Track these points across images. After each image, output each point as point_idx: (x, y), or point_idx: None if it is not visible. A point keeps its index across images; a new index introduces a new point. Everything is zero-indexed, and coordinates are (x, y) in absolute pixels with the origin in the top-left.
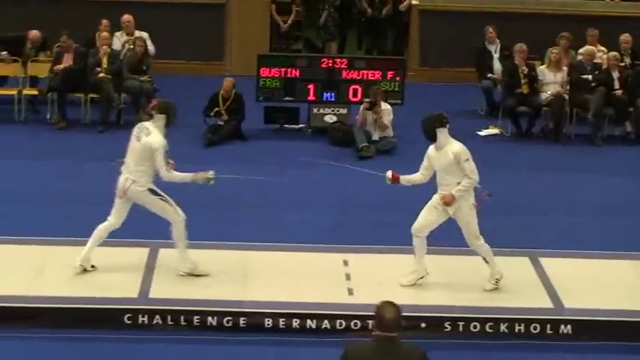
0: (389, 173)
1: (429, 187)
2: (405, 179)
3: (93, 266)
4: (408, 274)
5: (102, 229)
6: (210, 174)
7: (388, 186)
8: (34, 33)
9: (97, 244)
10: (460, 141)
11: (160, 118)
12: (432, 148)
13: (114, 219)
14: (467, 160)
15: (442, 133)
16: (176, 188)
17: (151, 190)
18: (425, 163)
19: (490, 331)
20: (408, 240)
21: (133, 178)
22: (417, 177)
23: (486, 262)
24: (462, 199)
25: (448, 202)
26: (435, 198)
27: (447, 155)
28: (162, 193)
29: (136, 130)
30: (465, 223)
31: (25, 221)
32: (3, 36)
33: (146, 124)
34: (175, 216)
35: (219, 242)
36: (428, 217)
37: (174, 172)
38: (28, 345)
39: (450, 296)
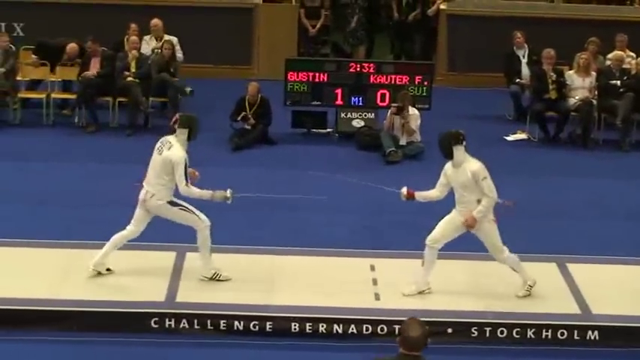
0: (404, 190)
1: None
2: (421, 196)
3: (108, 269)
4: (411, 284)
5: (120, 237)
6: (228, 193)
7: (419, 190)
8: (72, 46)
9: (113, 250)
10: (487, 146)
11: (183, 132)
12: (449, 165)
13: (133, 228)
14: (485, 178)
15: (459, 151)
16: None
17: (171, 202)
18: (442, 180)
19: (517, 337)
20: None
21: (153, 191)
22: (433, 193)
23: (516, 271)
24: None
25: (471, 225)
26: (455, 213)
27: (465, 173)
28: (182, 203)
29: (158, 143)
30: (487, 239)
31: (52, 224)
32: (45, 43)
33: (169, 137)
34: (199, 223)
35: (247, 246)
36: (446, 230)
37: (194, 188)
38: (55, 349)
39: (477, 302)
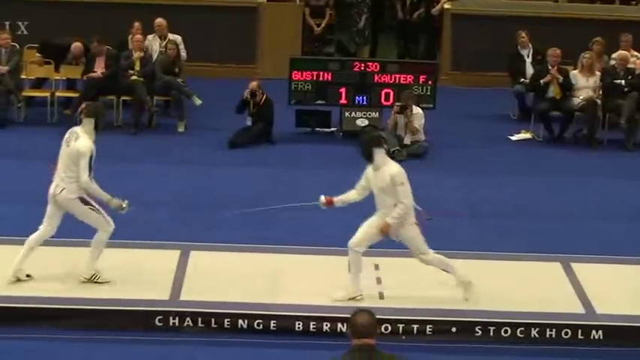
0: (322, 198)
1: (456, 192)
2: (340, 200)
3: (28, 275)
4: (341, 290)
5: (35, 238)
6: (125, 204)
7: (423, 190)
8: (77, 45)
9: (30, 253)
10: (491, 145)
11: (89, 122)
12: (369, 169)
13: (46, 226)
14: (402, 183)
15: (379, 154)
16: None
17: (82, 199)
18: (362, 182)
19: (521, 336)
20: (440, 244)
21: (63, 185)
22: (352, 195)
23: (447, 271)
24: (399, 223)
25: (385, 232)
26: (376, 217)
27: (384, 176)
28: (93, 203)
29: (67, 134)
30: (409, 242)
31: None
32: (50, 42)
33: (76, 128)
34: (106, 226)
35: (251, 245)
36: (367, 234)
37: (95, 184)
38: (60, 346)
39: (480, 301)
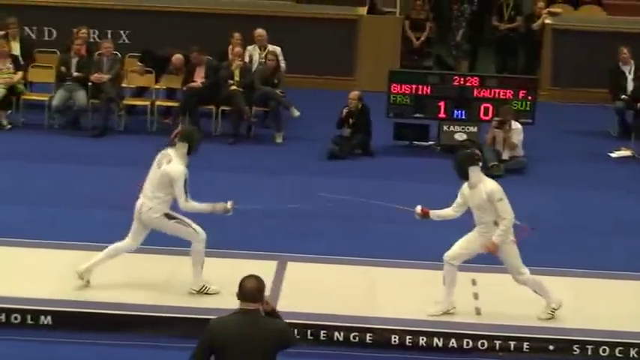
0: (418, 208)
1: (555, 208)
2: (436, 214)
3: (88, 282)
4: (436, 304)
5: (115, 248)
6: (229, 205)
7: (521, 205)
8: (177, 57)
9: (107, 261)
10: (590, 162)
11: (183, 146)
12: (465, 186)
13: (130, 241)
14: (500, 199)
15: (474, 172)
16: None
17: (167, 215)
18: (459, 200)
19: (620, 355)
20: (538, 260)
21: (149, 204)
22: (449, 213)
23: (538, 294)
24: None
25: (492, 251)
26: (475, 232)
27: (481, 194)
28: (178, 216)
29: (159, 155)
30: (507, 260)
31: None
32: (152, 52)
33: (169, 150)
34: (196, 236)
35: (348, 257)
36: (465, 249)
37: (194, 202)
38: (152, 354)
39: (579, 319)
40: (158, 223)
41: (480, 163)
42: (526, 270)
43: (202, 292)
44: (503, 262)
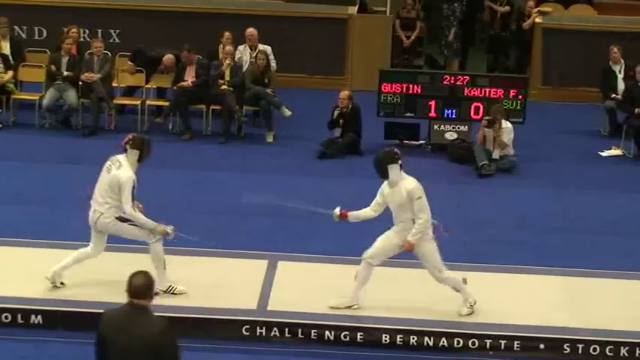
0: (337, 210)
1: (546, 207)
2: (354, 215)
3: (62, 283)
4: (340, 297)
5: (81, 254)
6: (169, 229)
7: (512, 205)
8: (169, 57)
9: (73, 265)
10: (581, 161)
11: (134, 154)
12: (385, 185)
13: (93, 249)
14: (419, 198)
15: (393, 170)
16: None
17: (120, 219)
18: (378, 199)
19: (610, 354)
20: (533, 260)
21: (100, 210)
22: (367, 212)
23: (457, 290)
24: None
25: (409, 250)
26: (392, 231)
27: (401, 192)
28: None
29: (108, 161)
30: (425, 257)
31: None
32: (143, 52)
33: (119, 157)
34: (151, 237)
35: (339, 256)
36: (383, 248)
37: (139, 213)
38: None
39: (570, 318)
40: (113, 227)
41: (400, 162)
42: (445, 268)
43: (168, 292)
44: (422, 260)
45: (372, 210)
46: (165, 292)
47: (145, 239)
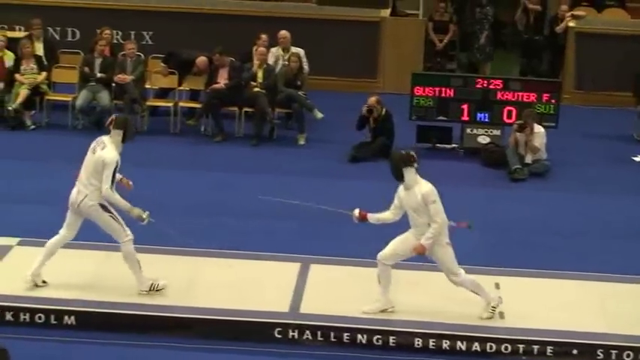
0: (356, 211)
1: (578, 211)
2: (374, 217)
3: (44, 282)
4: (373, 303)
5: (53, 243)
6: (145, 215)
7: (544, 209)
8: (202, 59)
9: (49, 258)
10: (614, 166)
11: (118, 134)
12: (401, 188)
13: (65, 232)
14: (434, 201)
15: (409, 173)
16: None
17: (102, 206)
18: (395, 202)
19: None
20: (565, 264)
21: (85, 191)
22: (387, 215)
23: (476, 293)
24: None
25: (420, 253)
26: (409, 234)
27: (416, 196)
28: (112, 211)
29: (93, 143)
30: (441, 261)
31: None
32: (176, 55)
33: (104, 138)
34: (123, 236)
35: (371, 260)
36: (398, 249)
37: (116, 194)
38: (179, 355)
39: (605, 323)
40: (94, 212)
41: (416, 165)
42: (461, 271)
43: (153, 290)
44: (438, 264)
45: (391, 213)
46: (149, 291)
47: (116, 237)
